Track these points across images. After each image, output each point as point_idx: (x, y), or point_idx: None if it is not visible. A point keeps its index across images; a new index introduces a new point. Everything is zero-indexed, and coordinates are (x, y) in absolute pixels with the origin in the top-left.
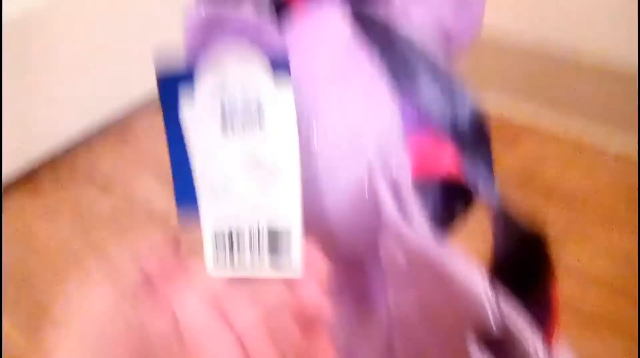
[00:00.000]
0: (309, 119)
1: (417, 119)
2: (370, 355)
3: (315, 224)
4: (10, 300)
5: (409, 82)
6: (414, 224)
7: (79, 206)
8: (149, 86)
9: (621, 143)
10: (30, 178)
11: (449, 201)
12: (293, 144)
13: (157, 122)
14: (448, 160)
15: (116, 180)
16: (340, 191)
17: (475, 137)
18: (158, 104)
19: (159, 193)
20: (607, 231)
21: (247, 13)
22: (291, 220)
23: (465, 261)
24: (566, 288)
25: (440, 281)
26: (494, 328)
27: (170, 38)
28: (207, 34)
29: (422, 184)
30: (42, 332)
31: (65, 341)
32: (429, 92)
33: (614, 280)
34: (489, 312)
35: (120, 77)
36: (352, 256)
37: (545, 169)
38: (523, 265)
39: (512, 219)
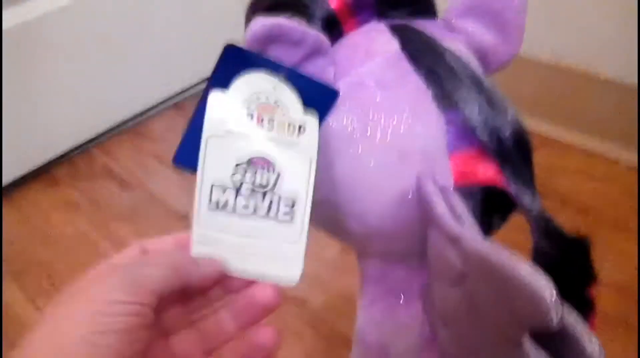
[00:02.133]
0: (359, 127)
1: (461, 131)
2: (405, 347)
3: (357, 223)
4: (32, 290)
5: (454, 95)
6: (466, 227)
7: (97, 199)
8: (168, 85)
9: (633, 155)
10: (47, 172)
11: (488, 210)
12: (309, 177)
13: (176, 120)
14: (489, 171)
15: (135, 175)
16: (385, 196)
17: (517, 149)
18: (176, 102)
19: (178, 187)
20: (620, 240)
21: (306, 26)
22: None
23: (524, 261)
24: None
25: (499, 279)
26: (555, 326)
27: (187, 37)
28: (266, 43)
29: (463, 192)
30: None
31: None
32: (473, 105)
33: (627, 286)
34: (552, 310)
35: (139, 75)
36: (388, 254)
37: (558, 180)
38: (567, 270)
39: (555, 226)
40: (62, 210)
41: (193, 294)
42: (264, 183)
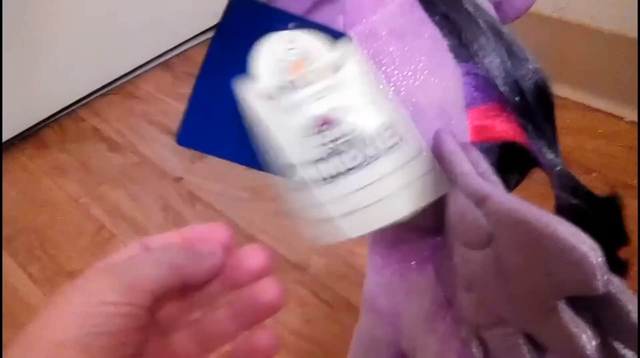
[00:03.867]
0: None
1: (480, 83)
2: (417, 312)
3: None
4: (23, 256)
5: (473, 46)
6: (492, 185)
7: (87, 162)
8: (156, 44)
9: (636, 110)
10: (36, 135)
11: (506, 167)
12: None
13: (165, 79)
14: (509, 125)
15: (124, 136)
16: None
17: (538, 102)
18: (165, 61)
19: (169, 148)
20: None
21: None
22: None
23: (565, 221)
24: None
25: (534, 240)
26: (600, 290)
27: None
28: None
29: (481, 148)
30: (58, 284)
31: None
32: (492, 57)
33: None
34: (598, 274)
35: (126, 34)
36: None
37: (561, 138)
38: (597, 229)
39: (580, 183)
40: (51, 174)
41: (193, 291)
42: (350, 128)
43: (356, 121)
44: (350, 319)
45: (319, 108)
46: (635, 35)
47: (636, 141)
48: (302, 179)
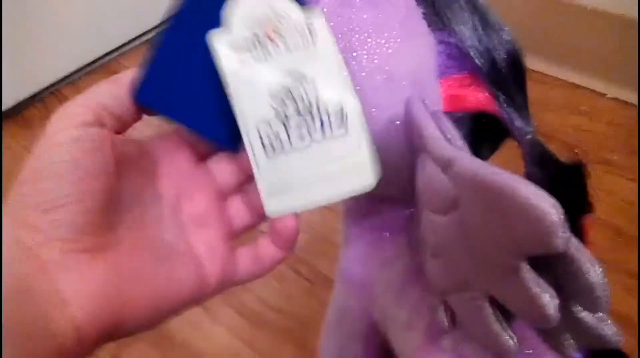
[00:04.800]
0: (344, 48)
1: (453, 53)
2: (389, 282)
3: None
4: None
5: (446, 14)
6: (458, 149)
7: None
8: (140, 21)
9: (618, 88)
10: (19, 113)
11: (478, 137)
12: (343, 76)
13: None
14: (481, 95)
15: None
16: (371, 124)
17: (511, 71)
18: (149, 39)
19: (151, 125)
20: (605, 174)
21: None
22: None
23: (526, 181)
24: None
25: (497, 201)
26: (561, 250)
27: None
28: None
29: (453, 118)
30: None
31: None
32: (465, 26)
33: (613, 221)
34: (559, 232)
35: (110, 12)
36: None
37: (543, 114)
38: (560, 193)
39: (549, 152)
40: None
41: None
42: (307, 104)
43: (315, 100)
44: (329, 295)
45: (293, 67)
46: (618, 11)
47: (617, 117)
48: (249, 146)
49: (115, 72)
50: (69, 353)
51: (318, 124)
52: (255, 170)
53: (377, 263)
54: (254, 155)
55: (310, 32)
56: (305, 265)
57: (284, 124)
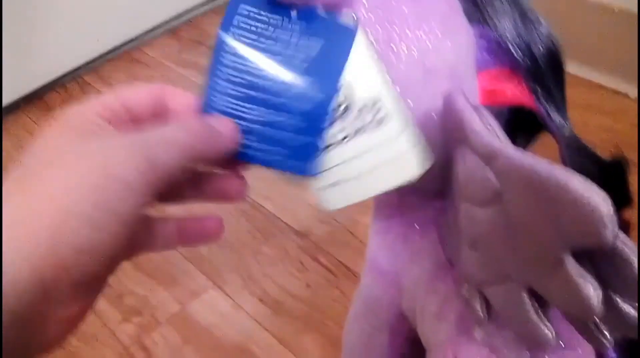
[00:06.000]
0: (384, 40)
1: (492, 47)
2: (418, 274)
3: None
4: None
5: (487, 9)
6: (502, 142)
7: None
8: (162, 9)
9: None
10: (40, 98)
11: (515, 131)
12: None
13: (171, 46)
14: (519, 90)
15: None
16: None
17: (549, 67)
18: (171, 27)
19: None
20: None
21: None
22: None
23: (578, 175)
24: None
25: (545, 194)
26: (610, 241)
27: None
28: None
29: (492, 111)
30: None
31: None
32: (505, 20)
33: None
34: (609, 227)
35: (135, 0)
36: None
37: (574, 112)
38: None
39: (587, 146)
40: None
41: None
42: (341, 100)
43: (350, 93)
44: (350, 285)
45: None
46: None
47: None
48: None
49: (137, 60)
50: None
51: (353, 116)
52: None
53: (407, 254)
54: None
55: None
56: (326, 255)
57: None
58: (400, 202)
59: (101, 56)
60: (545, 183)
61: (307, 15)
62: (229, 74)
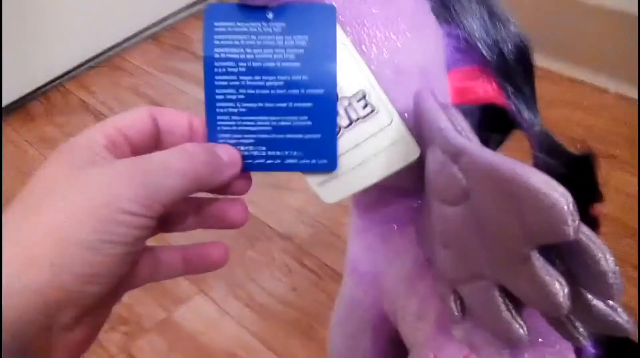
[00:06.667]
0: (354, 41)
1: (461, 45)
2: (398, 275)
3: None
4: None
5: (454, 7)
6: (469, 140)
7: (74, 134)
8: (143, 16)
9: (621, 84)
10: (23, 107)
11: (486, 129)
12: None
13: (152, 52)
14: (489, 88)
15: (112, 109)
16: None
17: (519, 64)
18: (152, 34)
19: None
20: (609, 170)
21: None
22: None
23: (536, 170)
24: None
25: (509, 191)
26: (572, 238)
27: None
28: None
29: (461, 110)
30: None
31: None
32: (473, 18)
33: (615, 214)
34: (569, 221)
35: (115, 8)
36: None
37: (546, 110)
38: (571, 186)
39: (557, 142)
40: (37, 145)
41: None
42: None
43: (340, 86)
44: (336, 287)
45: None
46: (619, 7)
47: (620, 112)
48: None
49: (119, 68)
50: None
51: (342, 109)
52: None
53: (387, 255)
54: None
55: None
56: (311, 257)
57: None
58: (378, 201)
59: (83, 64)
60: (508, 180)
61: (283, 13)
62: (225, 94)
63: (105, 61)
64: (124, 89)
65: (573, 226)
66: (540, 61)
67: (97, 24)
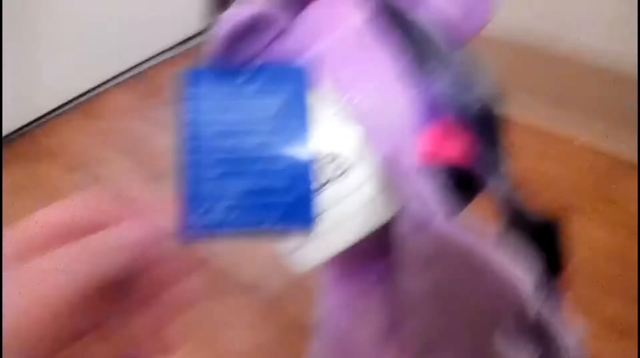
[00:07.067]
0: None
1: (430, 107)
2: (365, 338)
3: None
4: None
5: (423, 68)
6: (434, 210)
7: (43, 183)
8: (115, 65)
9: (587, 133)
10: None
11: (455, 189)
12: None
13: (124, 100)
14: (457, 149)
15: (82, 158)
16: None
17: (487, 127)
18: (127, 81)
19: (126, 171)
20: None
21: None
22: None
23: (500, 245)
24: None
25: (472, 267)
26: (531, 317)
27: (131, 14)
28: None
29: (429, 172)
30: None
31: None
32: (443, 80)
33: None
34: (528, 302)
35: (86, 54)
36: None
37: (520, 159)
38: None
39: (523, 206)
40: (6, 192)
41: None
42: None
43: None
44: (301, 341)
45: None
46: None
47: (586, 162)
48: None
49: (88, 114)
50: None
51: (316, 172)
52: None
53: (351, 318)
54: None
55: None
56: (277, 312)
57: None
58: (343, 265)
59: (53, 111)
60: (471, 255)
61: (256, 75)
62: (197, 159)
63: (76, 107)
64: (95, 136)
65: (533, 307)
66: (508, 110)
67: (67, 70)
